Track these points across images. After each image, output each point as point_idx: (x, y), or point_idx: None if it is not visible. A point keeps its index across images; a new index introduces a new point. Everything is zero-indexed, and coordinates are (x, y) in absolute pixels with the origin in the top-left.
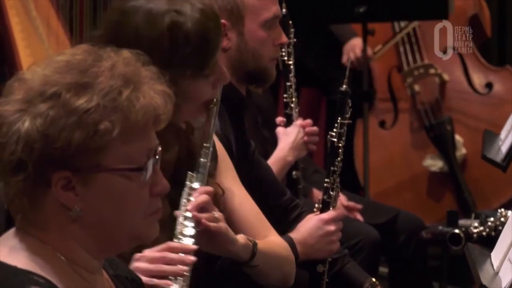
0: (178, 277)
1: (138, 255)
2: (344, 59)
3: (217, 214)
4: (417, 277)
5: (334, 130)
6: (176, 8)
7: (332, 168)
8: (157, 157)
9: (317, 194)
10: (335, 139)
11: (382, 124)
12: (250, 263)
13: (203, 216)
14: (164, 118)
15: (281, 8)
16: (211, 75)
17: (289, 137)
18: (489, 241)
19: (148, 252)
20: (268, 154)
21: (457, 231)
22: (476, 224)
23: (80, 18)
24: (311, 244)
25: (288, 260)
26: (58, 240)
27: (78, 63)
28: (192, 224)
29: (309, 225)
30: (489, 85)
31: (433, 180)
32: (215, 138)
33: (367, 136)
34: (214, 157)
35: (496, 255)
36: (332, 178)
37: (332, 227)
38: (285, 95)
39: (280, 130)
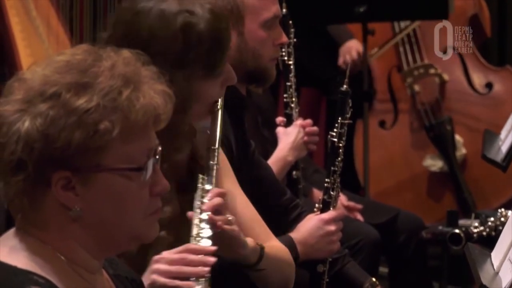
0: (200, 279)
1: (157, 256)
2: (340, 61)
3: (230, 216)
4: (417, 277)
5: (335, 130)
6: (188, 9)
7: (332, 168)
8: (157, 157)
9: (317, 194)
10: (335, 139)
11: (382, 124)
12: (256, 266)
13: (219, 218)
14: (164, 118)
15: (281, 8)
16: (221, 76)
17: (289, 137)
18: (489, 241)
19: (167, 254)
20: (268, 154)
21: (457, 231)
22: (476, 224)
23: (80, 18)
24: (312, 244)
25: (290, 265)
26: (58, 240)
27: (78, 63)
28: (208, 226)
29: (310, 225)
30: (489, 85)
31: (433, 180)
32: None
33: (367, 136)
34: None
35: (496, 255)
36: (332, 178)
37: (332, 227)
38: (285, 95)
39: (280, 130)
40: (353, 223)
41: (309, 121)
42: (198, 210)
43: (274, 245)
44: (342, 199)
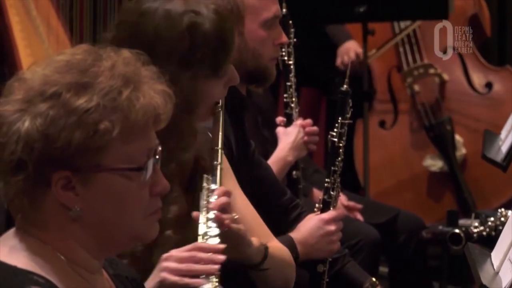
0: (210, 276)
1: (166, 255)
2: (338, 61)
3: (236, 215)
4: (417, 277)
5: (335, 130)
6: (194, 9)
7: (332, 168)
8: (157, 156)
9: (317, 194)
10: (335, 139)
11: (382, 124)
12: (260, 266)
13: (226, 216)
14: (164, 118)
15: (281, 8)
16: (224, 76)
17: (289, 137)
18: (489, 241)
19: (176, 252)
20: (268, 154)
21: (457, 231)
22: (476, 224)
23: (80, 18)
24: (312, 244)
25: (290, 265)
26: (58, 240)
27: (78, 63)
28: (215, 225)
29: (310, 225)
30: (489, 85)
31: (433, 180)
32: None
33: (367, 136)
34: None
35: (496, 255)
36: (332, 178)
37: (332, 227)
38: (285, 95)
39: (280, 130)
40: (353, 223)
41: (309, 121)
42: (204, 209)
43: (275, 245)
44: (342, 199)
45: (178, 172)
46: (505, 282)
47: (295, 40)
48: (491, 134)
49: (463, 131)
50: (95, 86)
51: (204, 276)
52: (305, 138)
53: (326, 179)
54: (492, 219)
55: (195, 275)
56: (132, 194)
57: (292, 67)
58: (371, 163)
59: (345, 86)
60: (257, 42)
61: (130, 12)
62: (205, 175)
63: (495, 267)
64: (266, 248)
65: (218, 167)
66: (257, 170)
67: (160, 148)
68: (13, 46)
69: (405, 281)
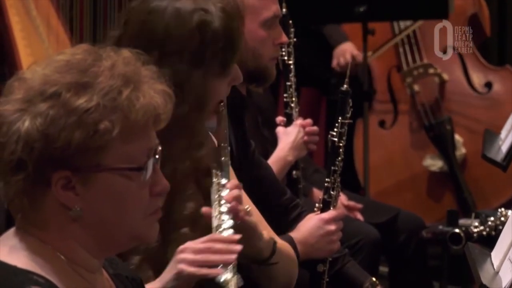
0: (229, 266)
1: (182, 247)
2: (334, 63)
3: (248, 207)
4: (417, 276)
5: (335, 129)
6: (203, 7)
7: (332, 167)
8: (157, 156)
9: (317, 193)
10: (335, 139)
11: (382, 124)
12: (269, 260)
13: (240, 208)
14: (164, 117)
15: (281, 8)
16: (230, 75)
17: (289, 136)
18: (489, 240)
19: (192, 244)
20: (268, 153)
21: (457, 230)
22: (476, 224)
23: (80, 17)
24: (312, 243)
25: (294, 262)
26: (58, 240)
27: (78, 63)
28: (229, 217)
29: (310, 224)
30: (488, 85)
31: (433, 180)
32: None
33: (367, 136)
34: None
35: (496, 254)
36: (332, 178)
37: (332, 227)
38: (285, 95)
39: (280, 129)
40: (353, 222)
41: (309, 120)
42: (216, 203)
43: (280, 242)
44: (342, 198)
45: (193, 169)
46: (505, 282)
47: (295, 40)
48: (491, 134)
49: (463, 131)
50: (95, 86)
51: (221, 266)
52: (305, 138)
53: (326, 179)
54: (492, 219)
55: (213, 265)
56: (132, 194)
57: (292, 67)
58: (371, 163)
59: (345, 86)
60: (257, 42)
61: (137, 11)
62: (214, 171)
63: (495, 267)
64: (274, 243)
65: (228, 163)
66: (257, 170)
67: (160, 148)
68: (13, 46)
69: (405, 281)
